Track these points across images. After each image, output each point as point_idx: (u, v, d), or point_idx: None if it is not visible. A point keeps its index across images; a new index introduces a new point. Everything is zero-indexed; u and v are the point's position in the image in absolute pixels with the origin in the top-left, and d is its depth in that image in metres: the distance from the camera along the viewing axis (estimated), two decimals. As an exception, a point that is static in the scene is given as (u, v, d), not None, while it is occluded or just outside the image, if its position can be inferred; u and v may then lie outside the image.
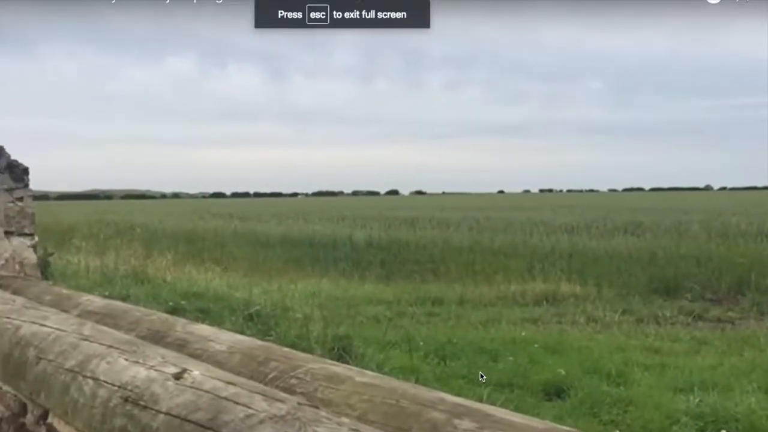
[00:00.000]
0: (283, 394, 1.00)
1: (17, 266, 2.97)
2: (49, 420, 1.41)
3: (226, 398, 0.98)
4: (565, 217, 21.84)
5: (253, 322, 5.02)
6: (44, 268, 4.02)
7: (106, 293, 5.33)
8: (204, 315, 5.56)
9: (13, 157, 2.92)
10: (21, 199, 2.95)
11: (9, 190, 2.92)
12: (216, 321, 4.89)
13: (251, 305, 5.61)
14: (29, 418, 1.51)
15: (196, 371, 1.11)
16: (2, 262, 2.94)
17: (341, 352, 3.96)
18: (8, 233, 2.95)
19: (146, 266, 7.78)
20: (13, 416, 1.59)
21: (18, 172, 2.94)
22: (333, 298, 7.07)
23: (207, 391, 1.02)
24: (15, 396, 1.59)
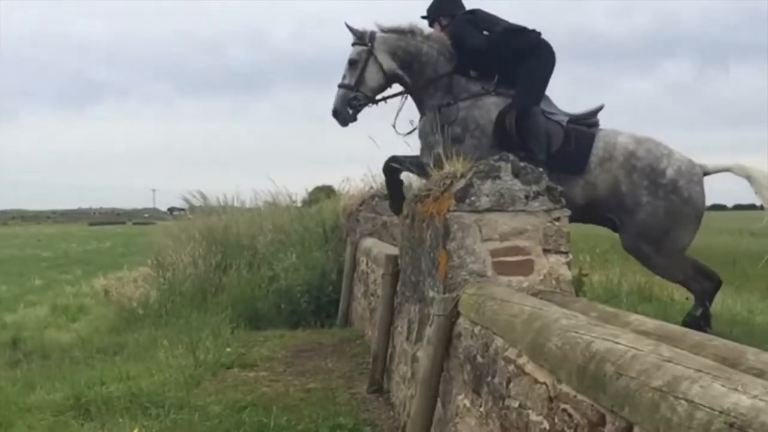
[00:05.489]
0: None
1: (553, 282, 3.40)
2: (636, 433, 1.62)
3: None
4: None
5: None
6: (578, 287, 4.45)
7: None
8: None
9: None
10: (558, 219, 3.36)
11: (548, 211, 3.37)
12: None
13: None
14: (609, 428, 1.75)
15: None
16: (540, 277, 3.40)
17: None
18: (546, 251, 3.40)
19: (652, 283, 7.90)
20: (590, 425, 1.86)
21: (555, 195, 3.37)
22: None
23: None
24: (592, 406, 1.86)
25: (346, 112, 5.94)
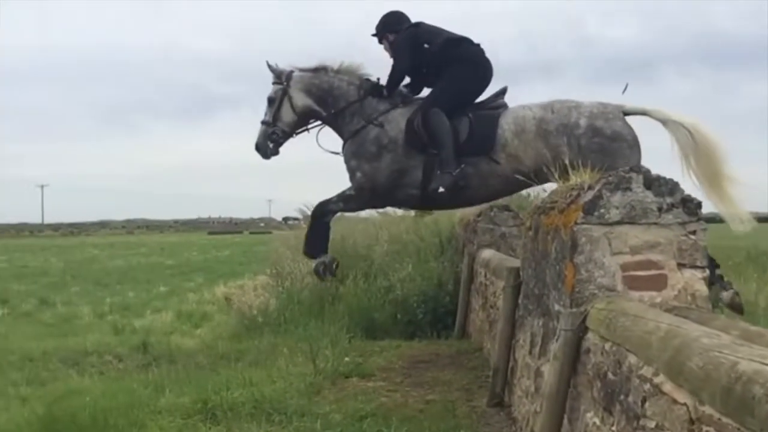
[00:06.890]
0: None
1: (689, 298, 3.30)
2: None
3: None
4: None
5: None
6: (714, 302, 4.31)
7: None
8: None
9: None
10: (694, 232, 3.27)
11: (683, 224, 3.28)
12: None
13: None
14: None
15: None
16: (675, 293, 3.31)
17: None
18: (680, 266, 3.31)
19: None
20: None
21: (692, 207, 3.28)
22: None
23: None
24: (739, 429, 1.81)
25: (266, 146, 6.54)
